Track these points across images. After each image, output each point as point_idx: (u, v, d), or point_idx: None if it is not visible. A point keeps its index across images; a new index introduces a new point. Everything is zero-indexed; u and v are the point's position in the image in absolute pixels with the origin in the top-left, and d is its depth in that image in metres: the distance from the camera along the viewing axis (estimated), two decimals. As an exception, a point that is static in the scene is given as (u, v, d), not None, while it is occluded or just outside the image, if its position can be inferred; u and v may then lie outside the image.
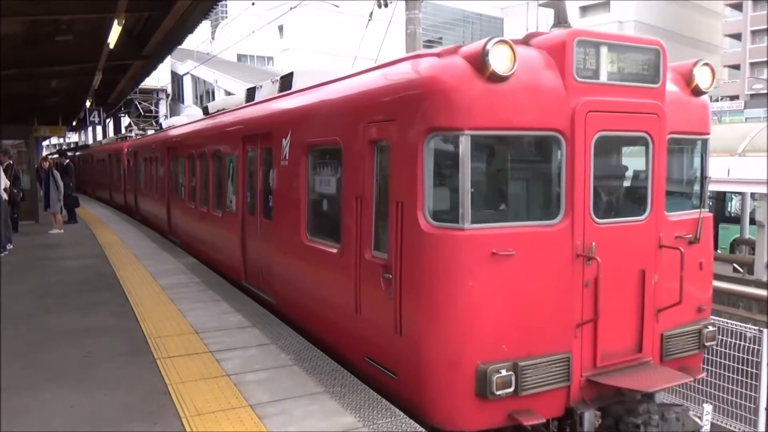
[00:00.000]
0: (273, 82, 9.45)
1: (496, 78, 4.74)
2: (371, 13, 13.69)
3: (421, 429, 4.57)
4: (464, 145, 4.80)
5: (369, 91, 5.91)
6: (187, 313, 7.74)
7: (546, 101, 4.99)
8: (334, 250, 6.23)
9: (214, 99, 50.91)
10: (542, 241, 5.00)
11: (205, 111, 13.35)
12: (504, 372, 4.76)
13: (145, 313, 7.79)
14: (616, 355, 5.35)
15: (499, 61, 4.72)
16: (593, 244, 5.12)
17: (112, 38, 12.54)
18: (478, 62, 4.75)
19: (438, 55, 5.06)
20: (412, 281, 5.01)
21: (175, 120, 18.44)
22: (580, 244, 5.09)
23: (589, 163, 5.12)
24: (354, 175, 5.86)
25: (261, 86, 10.09)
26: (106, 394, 5.22)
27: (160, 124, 19.04)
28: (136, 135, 26.34)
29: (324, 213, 7.02)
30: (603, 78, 5.20)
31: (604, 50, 5.20)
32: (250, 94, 10.48)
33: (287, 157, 7.45)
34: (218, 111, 12.10)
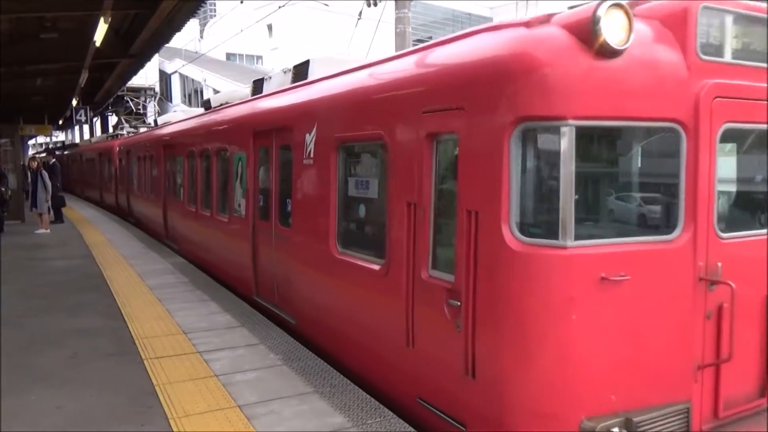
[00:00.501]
0: (285, 72, 8.56)
1: (607, 53, 3.79)
2: (360, 12, 13.67)
3: (411, 429, 4.55)
4: (567, 139, 3.81)
5: (427, 74, 4.86)
6: (175, 314, 7.68)
7: (664, 84, 4.03)
8: (376, 267, 5.27)
9: (202, 98, 50.78)
10: (659, 261, 4.04)
11: (207, 105, 12.41)
12: (616, 430, 3.84)
13: (132, 313, 7.73)
14: (737, 402, 4.39)
15: (614, 31, 3.75)
16: (719, 264, 4.16)
17: (99, 36, 12.45)
18: (585, 33, 3.80)
19: (526, 24, 4.09)
20: (494, 312, 4.02)
21: (171, 116, 17.64)
22: (703, 265, 4.11)
23: (714, 161, 4.16)
24: (405, 177, 4.86)
25: (270, 77, 9.21)
26: (92, 395, 5.16)
27: (155, 121, 18.31)
28: (128, 133, 25.85)
29: (361, 221, 6.02)
30: (727, 56, 4.24)
31: (728, 21, 4.24)
32: (258, 86, 9.56)
33: (312, 155, 6.43)
34: (222, 105, 11.09)
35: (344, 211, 6.10)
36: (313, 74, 7.50)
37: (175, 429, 4.50)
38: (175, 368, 5.74)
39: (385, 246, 5.12)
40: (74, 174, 35.18)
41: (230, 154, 9.31)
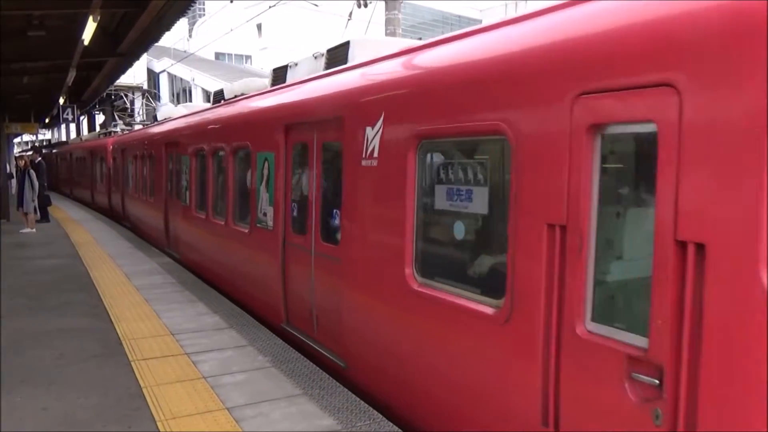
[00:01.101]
0: (315, 57, 7.35)
1: None
2: (351, 13, 13.67)
3: (399, 431, 4.55)
4: None
5: (589, 38, 3.31)
6: (163, 314, 7.63)
7: None
8: (488, 309, 3.87)
9: (191, 97, 50.62)
10: None
11: (218, 97, 10.98)
12: None
13: (119, 314, 7.67)
14: None
15: None
16: None
17: (87, 35, 12.34)
18: None
19: None
20: (741, 408, 2.61)
21: (172, 110, 16.24)
22: None
23: None
24: (543, 187, 3.45)
25: (296, 64, 7.98)
26: (78, 397, 5.12)
27: (155, 116, 17.30)
28: (122, 130, 24.93)
29: (457, 244, 4.50)
30: None
31: None
32: (280, 74, 8.29)
33: (376, 154, 5.04)
34: (237, 96, 9.74)
35: (427, 228, 4.70)
36: (354, 57, 6.40)
37: (162, 431, 4.47)
38: (163, 370, 5.71)
39: (506, 282, 3.71)
40: (63, 173, 34.51)
41: (252, 153, 7.84)
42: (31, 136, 53.29)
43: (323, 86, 6.44)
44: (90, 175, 25.44)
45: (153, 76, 54.40)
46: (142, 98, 45.80)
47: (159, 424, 4.57)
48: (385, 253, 4.93)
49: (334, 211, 5.91)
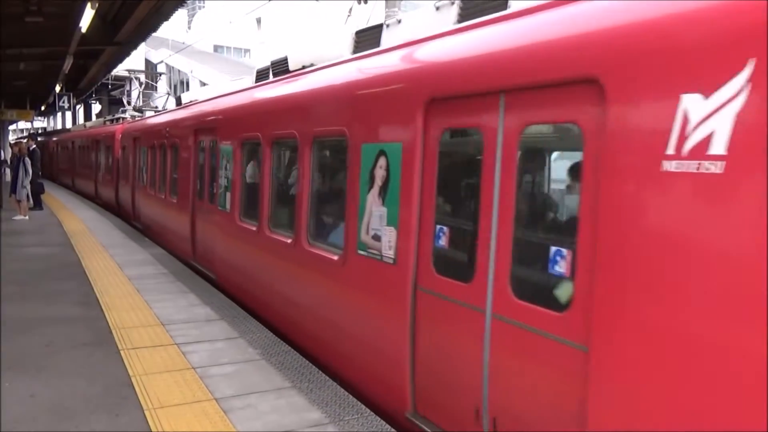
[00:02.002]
0: (438, 8, 5.46)
1: None
2: (351, 9, 13.66)
3: (389, 428, 4.55)
4: None
5: None
6: (154, 305, 7.62)
7: None
8: None
9: (188, 89, 50.42)
10: None
11: (277, 68, 8.45)
12: None
13: (110, 303, 7.65)
14: None
15: None
16: None
17: (85, 22, 12.32)
18: None
19: None
20: None
21: (196, 94, 13.77)
22: None
23: None
24: None
25: (398, 21, 6.01)
26: (67, 384, 5.10)
27: (178, 99, 14.99)
28: (132, 117, 22.87)
29: None
30: None
31: None
32: (370, 37, 6.37)
33: (719, 149, 2.54)
34: (306, 68, 7.32)
35: None
36: (515, 3, 4.40)
37: (150, 420, 4.47)
38: (152, 359, 5.69)
39: None
40: (63, 163, 32.56)
41: (351, 145, 5.39)
42: (27, 123, 53.12)
43: (523, 30, 3.89)
44: (94, 166, 22.95)
45: (151, 67, 54.21)
46: (140, 85, 45.46)
47: (147, 413, 4.56)
48: (699, 340, 2.63)
49: (554, 249, 3.52)
